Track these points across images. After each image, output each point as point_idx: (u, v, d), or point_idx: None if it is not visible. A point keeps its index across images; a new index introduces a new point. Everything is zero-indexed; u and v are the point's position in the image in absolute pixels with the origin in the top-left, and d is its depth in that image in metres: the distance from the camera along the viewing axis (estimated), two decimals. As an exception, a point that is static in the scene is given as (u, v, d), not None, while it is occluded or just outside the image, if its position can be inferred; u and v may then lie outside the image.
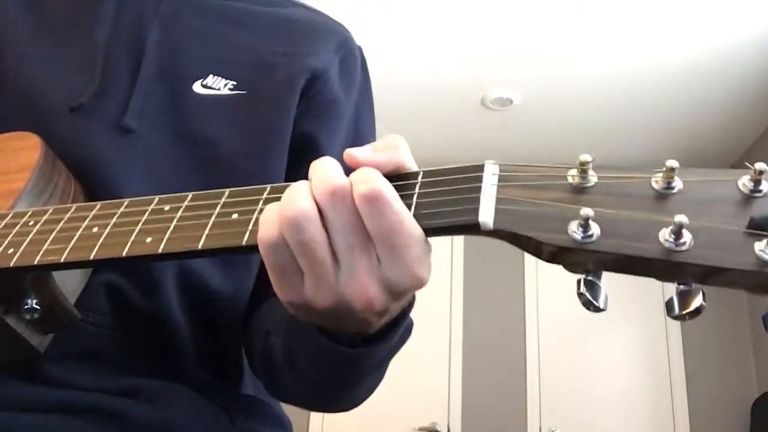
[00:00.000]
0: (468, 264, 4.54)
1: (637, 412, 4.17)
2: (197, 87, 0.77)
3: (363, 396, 0.69)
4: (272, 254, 0.48)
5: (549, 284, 4.35)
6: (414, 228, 0.46)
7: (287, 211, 0.47)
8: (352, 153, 0.50)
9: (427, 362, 4.31)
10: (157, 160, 0.73)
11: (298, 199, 0.47)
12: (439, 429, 4.16)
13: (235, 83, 0.78)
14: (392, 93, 3.89)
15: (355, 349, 0.55)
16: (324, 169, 0.48)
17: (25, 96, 0.76)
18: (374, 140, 0.89)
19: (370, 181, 0.46)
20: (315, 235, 0.47)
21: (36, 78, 0.76)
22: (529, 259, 4.45)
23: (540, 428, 4.13)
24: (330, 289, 0.48)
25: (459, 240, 4.58)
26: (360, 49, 0.92)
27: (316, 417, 4.20)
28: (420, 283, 0.48)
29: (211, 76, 0.78)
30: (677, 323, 4.26)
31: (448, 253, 4.56)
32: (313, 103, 0.81)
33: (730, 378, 4.17)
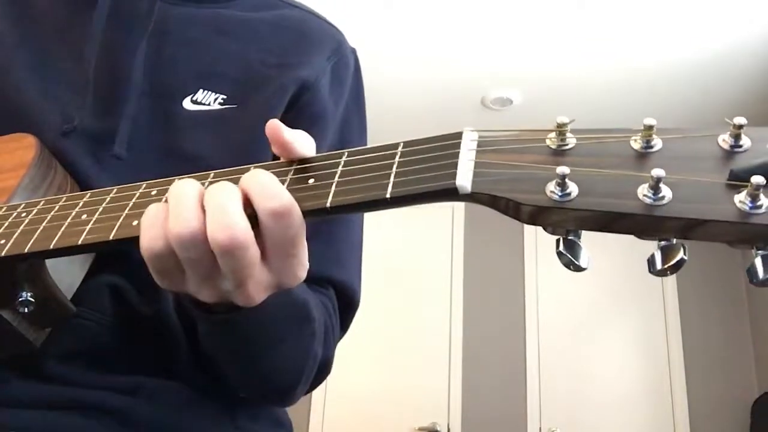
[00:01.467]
0: (468, 263, 4.53)
1: (637, 412, 4.16)
2: (187, 103, 0.77)
3: (281, 379, 0.70)
4: (156, 262, 0.50)
5: (549, 284, 4.35)
6: (303, 237, 0.50)
7: (178, 227, 0.48)
8: (276, 128, 0.53)
9: (427, 362, 4.31)
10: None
11: (190, 217, 0.48)
12: (439, 429, 4.15)
13: (225, 97, 0.77)
14: (392, 93, 3.90)
15: (219, 314, 0.58)
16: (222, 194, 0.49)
17: (15, 111, 0.75)
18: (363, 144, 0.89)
19: (278, 197, 0.48)
20: (203, 253, 0.49)
21: (26, 92, 0.76)
22: (530, 259, 4.45)
23: (540, 428, 4.12)
24: (215, 290, 0.51)
25: (459, 239, 4.57)
26: (353, 51, 0.91)
27: (315, 417, 4.20)
28: (298, 282, 0.53)
29: (201, 90, 0.77)
30: (677, 323, 4.26)
31: (448, 253, 4.56)
32: (301, 115, 0.80)
33: (730, 378, 4.16)
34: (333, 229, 0.81)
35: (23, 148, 0.69)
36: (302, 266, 0.52)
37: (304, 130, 0.79)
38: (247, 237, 0.47)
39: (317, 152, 0.79)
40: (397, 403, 4.22)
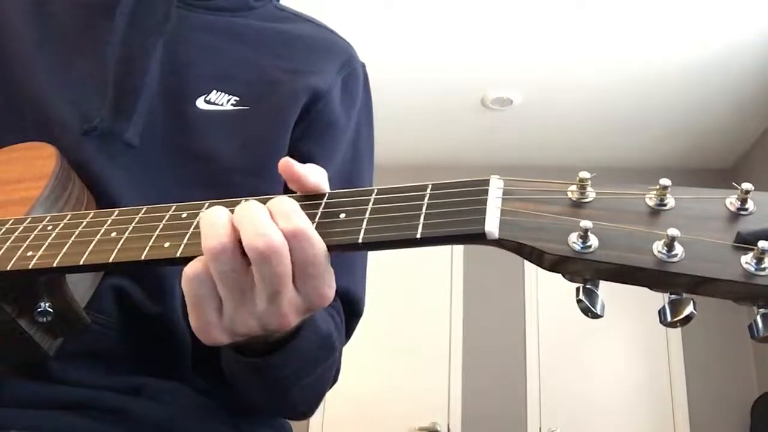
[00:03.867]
0: (468, 264, 4.54)
1: (637, 413, 4.17)
2: (200, 103, 0.78)
3: (305, 405, 0.73)
4: (196, 286, 0.52)
5: (549, 284, 4.35)
6: (326, 256, 0.52)
7: (209, 242, 0.50)
8: (287, 164, 0.55)
9: (427, 362, 4.32)
10: (162, 178, 0.75)
11: (221, 233, 0.50)
12: (439, 429, 4.16)
13: (238, 98, 0.79)
14: (393, 93, 3.90)
15: (255, 359, 0.60)
16: (252, 211, 0.51)
17: (35, 113, 0.77)
18: (371, 159, 0.92)
19: (291, 218, 0.51)
20: (236, 265, 0.50)
21: (45, 93, 0.77)
22: (530, 259, 4.44)
23: (540, 428, 4.14)
24: (251, 315, 0.52)
25: (459, 240, 4.57)
26: (363, 66, 0.93)
27: (315, 417, 4.21)
28: (328, 302, 0.54)
29: (214, 91, 0.79)
30: (677, 323, 4.26)
31: (448, 254, 4.57)
32: (313, 123, 0.82)
33: (730, 378, 4.18)
34: None
35: (44, 158, 0.70)
36: (329, 287, 0.53)
37: (315, 138, 0.83)
38: (283, 243, 0.50)
39: (330, 161, 0.83)
40: (397, 403, 4.23)
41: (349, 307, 0.81)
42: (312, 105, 0.82)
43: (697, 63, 3.52)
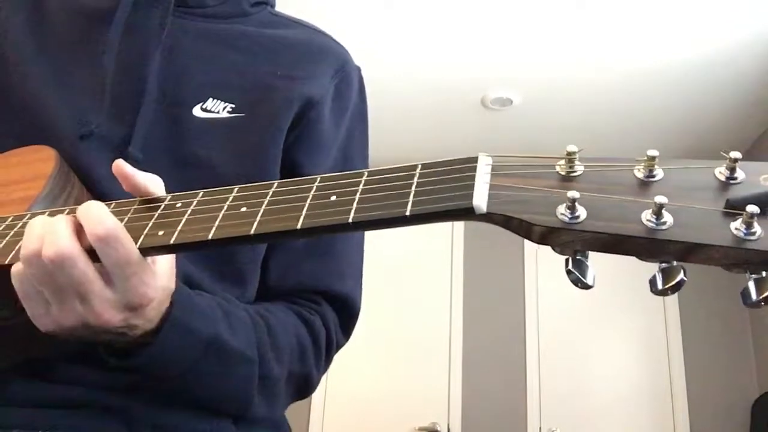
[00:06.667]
0: (468, 264, 4.54)
1: (637, 412, 4.17)
2: (197, 111, 0.80)
3: (212, 404, 0.72)
4: (19, 284, 0.56)
5: (549, 284, 4.36)
6: (138, 258, 0.55)
7: (22, 250, 0.55)
8: (119, 165, 0.60)
9: (427, 362, 4.32)
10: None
11: (33, 240, 0.55)
12: (439, 429, 4.16)
13: (233, 106, 0.81)
14: (393, 93, 3.91)
15: (112, 358, 0.63)
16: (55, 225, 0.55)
17: (32, 118, 0.78)
18: (364, 163, 0.93)
19: (102, 222, 0.54)
20: (43, 271, 0.54)
21: (43, 99, 0.78)
22: (529, 259, 4.45)
23: (540, 428, 4.13)
24: (72, 313, 0.56)
25: (459, 239, 4.58)
26: (358, 70, 0.94)
27: (315, 417, 4.21)
28: (148, 301, 0.57)
29: (210, 99, 0.80)
30: (677, 323, 4.27)
31: (448, 253, 4.57)
32: (304, 132, 0.84)
33: (730, 378, 4.17)
34: (331, 243, 0.84)
35: (42, 160, 0.71)
36: (146, 285, 0.56)
37: (305, 147, 0.84)
38: (72, 250, 0.53)
39: (319, 170, 0.84)
40: (397, 403, 4.23)
41: (345, 310, 0.83)
42: (305, 113, 0.84)
43: (697, 63, 3.52)
